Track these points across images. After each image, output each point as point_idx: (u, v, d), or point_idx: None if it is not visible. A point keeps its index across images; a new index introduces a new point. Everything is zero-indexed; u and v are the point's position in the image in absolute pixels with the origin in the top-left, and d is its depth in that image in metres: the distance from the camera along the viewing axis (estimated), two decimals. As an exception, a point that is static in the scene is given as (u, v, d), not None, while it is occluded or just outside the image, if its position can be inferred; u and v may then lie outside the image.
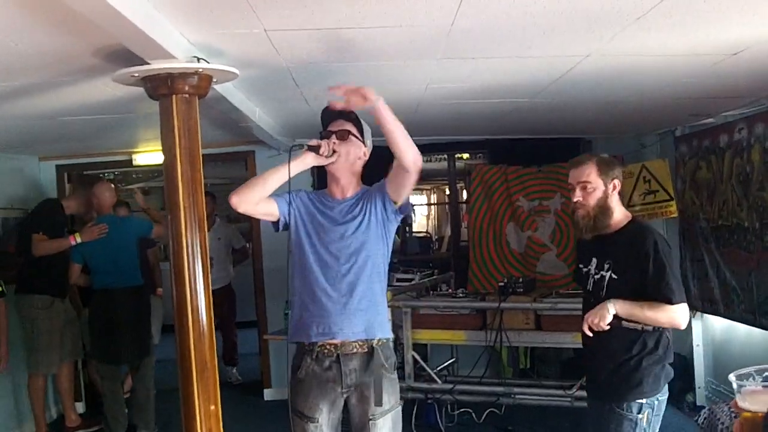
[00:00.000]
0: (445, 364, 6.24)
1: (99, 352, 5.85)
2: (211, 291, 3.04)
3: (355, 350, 3.13)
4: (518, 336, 5.47)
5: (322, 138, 3.16)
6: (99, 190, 5.96)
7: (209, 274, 3.03)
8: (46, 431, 5.94)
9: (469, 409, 5.90)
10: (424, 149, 7.06)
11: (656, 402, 3.28)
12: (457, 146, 7.33)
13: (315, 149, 3.09)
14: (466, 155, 7.95)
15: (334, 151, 3.12)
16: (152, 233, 6.07)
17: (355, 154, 3.19)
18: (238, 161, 7.27)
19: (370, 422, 3.14)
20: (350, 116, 3.19)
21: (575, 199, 3.34)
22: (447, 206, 12.05)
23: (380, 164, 3.26)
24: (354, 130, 3.19)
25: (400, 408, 3.30)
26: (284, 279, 3.30)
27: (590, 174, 3.30)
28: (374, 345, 3.16)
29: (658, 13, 2.77)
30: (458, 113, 5.27)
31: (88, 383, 6.78)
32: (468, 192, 7.51)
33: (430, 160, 8.26)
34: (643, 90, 4.45)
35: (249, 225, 7.40)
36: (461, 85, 4.18)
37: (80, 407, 6.80)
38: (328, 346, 3.13)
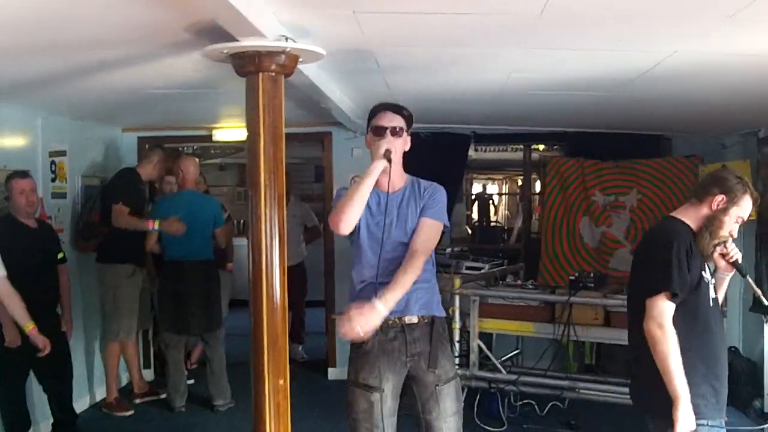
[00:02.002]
0: (510, 354, 6.22)
1: (167, 322, 6.01)
2: (286, 268, 3.09)
3: (417, 321, 3.24)
4: (586, 331, 5.41)
5: (374, 133, 3.24)
6: (185, 164, 6.07)
7: (285, 251, 3.08)
8: (117, 396, 6.12)
9: (531, 401, 5.86)
10: (500, 139, 7.21)
11: None
12: (534, 137, 7.26)
13: (389, 156, 3.13)
14: (541, 146, 7.87)
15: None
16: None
17: (403, 148, 3.27)
18: (313, 141, 7.35)
19: (437, 388, 3.23)
20: (403, 112, 3.28)
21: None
22: (518, 197, 11.94)
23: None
24: (405, 126, 3.27)
25: (459, 379, 3.42)
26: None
27: None
28: (434, 317, 3.29)
29: (753, 11, 2.68)
30: (538, 104, 5.21)
31: (158, 352, 6.93)
32: (543, 184, 7.43)
33: (506, 150, 8.19)
34: (730, 90, 4.33)
35: (322, 205, 7.46)
36: (545, 76, 4.13)
37: (150, 375, 6.99)
38: (392, 319, 3.19)
